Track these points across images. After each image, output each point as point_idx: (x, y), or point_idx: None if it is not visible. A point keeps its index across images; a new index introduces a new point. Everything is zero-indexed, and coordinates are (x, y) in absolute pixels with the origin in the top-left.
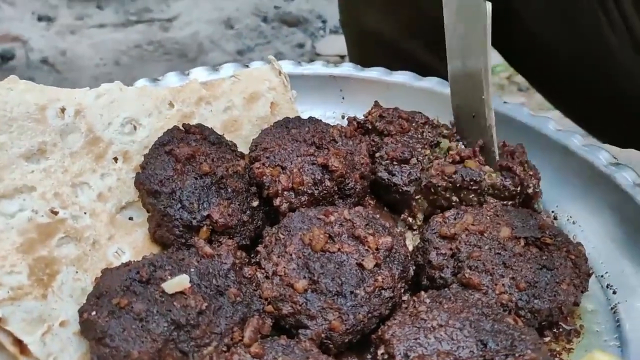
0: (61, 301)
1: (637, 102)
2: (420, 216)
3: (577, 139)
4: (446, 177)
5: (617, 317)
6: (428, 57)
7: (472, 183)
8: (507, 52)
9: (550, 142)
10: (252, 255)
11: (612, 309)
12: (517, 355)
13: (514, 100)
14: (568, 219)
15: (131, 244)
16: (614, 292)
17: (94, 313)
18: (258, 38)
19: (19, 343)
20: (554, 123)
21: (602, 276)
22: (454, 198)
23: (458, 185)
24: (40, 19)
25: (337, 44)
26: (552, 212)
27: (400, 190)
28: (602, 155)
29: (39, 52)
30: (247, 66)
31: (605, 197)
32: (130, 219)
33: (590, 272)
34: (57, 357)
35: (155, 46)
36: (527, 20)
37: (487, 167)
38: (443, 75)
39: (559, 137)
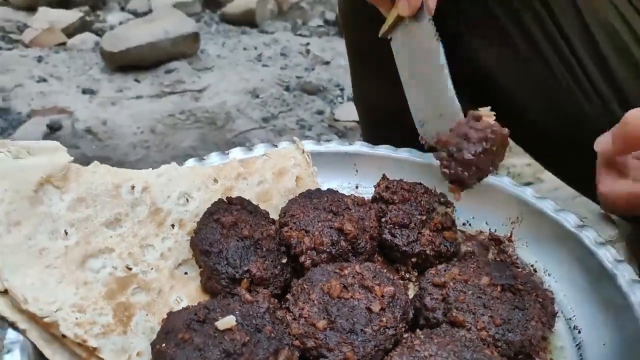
0: (137, 337)
1: None
2: (414, 272)
3: (550, 204)
4: (435, 249)
5: (580, 353)
6: None
7: (453, 252)
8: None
9: (530, 209)
10: (283, 301)
11: (577, 345)
12: None
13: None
14: (544, 271)
15: (187, 293)
16: (579, 332)
17: (163, 345)
18: (281, 106)
19: None
20: (531, 190)
21: (570, 319)
22: (437, 261)
23: (442, 253)
24: (84, 92)
25: (354, 110)
26: (532, 265)
27: (400, 250)
28: (571, 217)
29: (83, 122)
30: (276, 146)
31: (573, 253)
32: (185, 273)
33: (556, 312)
34: None
35: (187, 115)
36: (505, 87)
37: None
38: None
39: (535, 202)
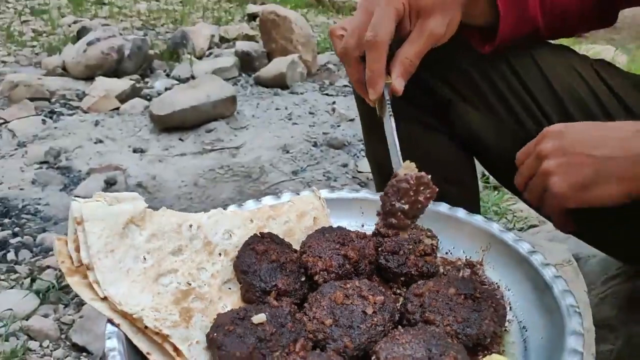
0: (196, 330)
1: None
2: (403, 289)
3: (510, 236)
4: (418, 270)
5: (525, 345)
6: (437, 186)
7: (432, 273)
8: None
9: (496, 239)
10: (301, 309)
11: (524, 340)
12: (446, 355)
13: None
14: (505, 287)
15: (231, 302)
16: (526, 330)
17: (215, 334)
18: (309, 160)
19: (176, 350)
20: (497, 225)
21: (520, 321)
22: (420, 279)
23: (424, 273)
24: (135, 151)
25: None
26: (497, 282)
27: (392, 271)
28: (525, 245)
29: (135, 178)
30: (299, 194)
31: (527, 273)
32: (229, 288)
33: (506, 314)
34: (196, 358)
35: (225, 169)
36: (491, 145)
37: (440, 258)
38: (440, 193)
39: (499, 234)
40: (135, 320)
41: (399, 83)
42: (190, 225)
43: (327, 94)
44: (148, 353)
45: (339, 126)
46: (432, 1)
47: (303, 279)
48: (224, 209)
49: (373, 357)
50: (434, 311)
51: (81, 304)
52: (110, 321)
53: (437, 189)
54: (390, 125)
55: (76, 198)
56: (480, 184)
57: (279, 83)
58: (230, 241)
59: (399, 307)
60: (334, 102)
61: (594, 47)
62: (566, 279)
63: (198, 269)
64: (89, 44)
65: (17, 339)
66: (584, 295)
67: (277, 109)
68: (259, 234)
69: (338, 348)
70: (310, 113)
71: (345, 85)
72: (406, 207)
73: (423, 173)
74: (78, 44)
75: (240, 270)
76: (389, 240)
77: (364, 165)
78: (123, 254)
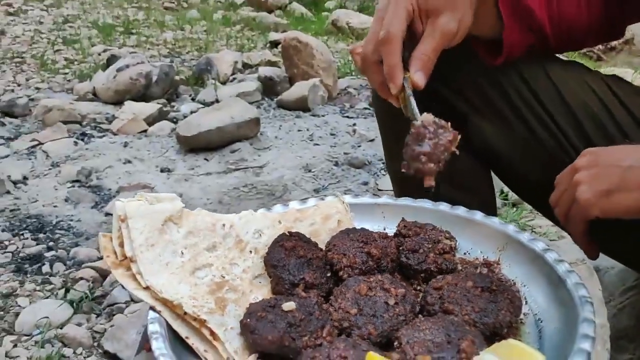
0: (230, 318)
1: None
2: (424, 285)
3: (526, 236)
4: (437, 267)
5: (540, 335)
6: (454, 194)
7: (451, 269)
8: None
9: (512, 239)
10: (327, 302)
11: (539, 330)
12: (464, 338)
13: None
14: (521, 283)
15: (262, 294)
16: (541, 322)
17: (248, 320)
18: (331, 179)
19: (212, 334)
20: (513, 227)
21: (536, 314)
22: (440, 276)
23: (442, 270)
24: (162, 170)
25: None
26: (513, 280)
27: (413, 268)
28: (540, 244)
29: None
30: (323, 199)
31: (541, 269)
32: (260, 282)
33: (522, 305)
34: (230, 342)
35: (249, 188)
36: (507, 158)
37: (458, 258)
38: (456, 202)
39: (515, 235)
40: (175, 307)
41: (418, 76)
42: (224, 225)
43: (347, 116)
44: (187, 337)
45: (359, 146)
46: (441, 1)
47: (329, 274)
48: (254, 211)
49: (395, 342)
50: (452, 302)
51: (112, 314)
52: (152, 308)
53: (459, 134)
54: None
55: (120, 199)
56: (499, 200)
57: (301, 106)
58: (260, 240)
59: (419, 300)
60: (354, 124)
61: (613, 69)
62: (581, 277)
63: (231, 264)
64: (119, 70)
65: (52, 346)
66: (598, 293)
67: (299, 130)
68: (287, 233)
69: (362, 334)
70: (332, 134)
71: (366, 108)
72: (428, 148)
73: (441, 119)
74: (108, 71)
75: (271, 264)
76: (410, 240)
77: (385, 184)
78: (162, 249)
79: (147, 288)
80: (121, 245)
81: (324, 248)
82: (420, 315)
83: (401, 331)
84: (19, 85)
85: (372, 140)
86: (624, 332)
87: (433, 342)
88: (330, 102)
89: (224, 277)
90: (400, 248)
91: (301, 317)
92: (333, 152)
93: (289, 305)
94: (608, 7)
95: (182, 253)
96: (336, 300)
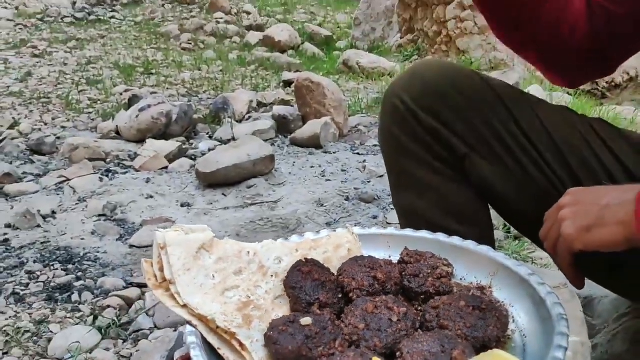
0: (255, 332)
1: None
2: (423, 305)
3: (512, 262)
4: (435, 289)
5: (525, 348)
6: (454, 226)
7: (447, 292)
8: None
9: (501, 266)
10: (339, 320)
11: (524, 344)
12: (456, 349)
13: None
14: (510, 304)
15: (282, 312)
16: (525, 336)
17: (271, 333)
18: (342, 213)
19: (241, 345)
20: (502, 254)
21: (521, 330)
22: (437, 297)
23: (440, 292)
24: (182, 205)
25: None
26: (502, 301)
27: (414, 291)
28: (524, 269)
29: None
30: (335, 230)
31: (527, 291)
32: (280, 302)
33: (508, 322)
34: (256, 352)
35: (265, 221)
36: (503, 196)
37: (454, 282)
38: (461, 235)
39: (504, 261)
40: (209, 321)
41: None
42: (248, 252)
43: (358, 153)
44: (219, 348)
45: (369, 182)
46: None
47: (340, 295)
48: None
49: (398, 353)
50: (447, 319)
51: (137, 339)
52: (189, 323)
53: None
54: None
55: (160, 230)
56: (502, 233)
57: (313, 143)
58: (279, 265)
59: (419, 318)
60: (364, 161)
61: (615, 108)
62: (563, 299)
63: (255, 286)
64: (141, 110)
65: None
66: (579, 314)
67: (311, 166)
68: (303, 260)
69: (369, 346)
70: (343, 170)
71: (375, 145)
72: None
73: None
74: (130, 111)
75: (289, 286)
76: (411, 266)
77: (393, 217)
78: (197, 272)
79: (184, 306)
80: (161, 269)
81: (336, 273)
82: (419, 330)
83: (403, 343)
84: (45, 124)
85: (381, 176)
86: (618, 356)
87: (430, 352)
88: (342, 140)
89: (249, 297)
90: (403, 273)
91: (317, 330)
92: (344, 187)
93: (306, 321)
94: (595, 41)
95: (214, 276)
96: (347, 317)
